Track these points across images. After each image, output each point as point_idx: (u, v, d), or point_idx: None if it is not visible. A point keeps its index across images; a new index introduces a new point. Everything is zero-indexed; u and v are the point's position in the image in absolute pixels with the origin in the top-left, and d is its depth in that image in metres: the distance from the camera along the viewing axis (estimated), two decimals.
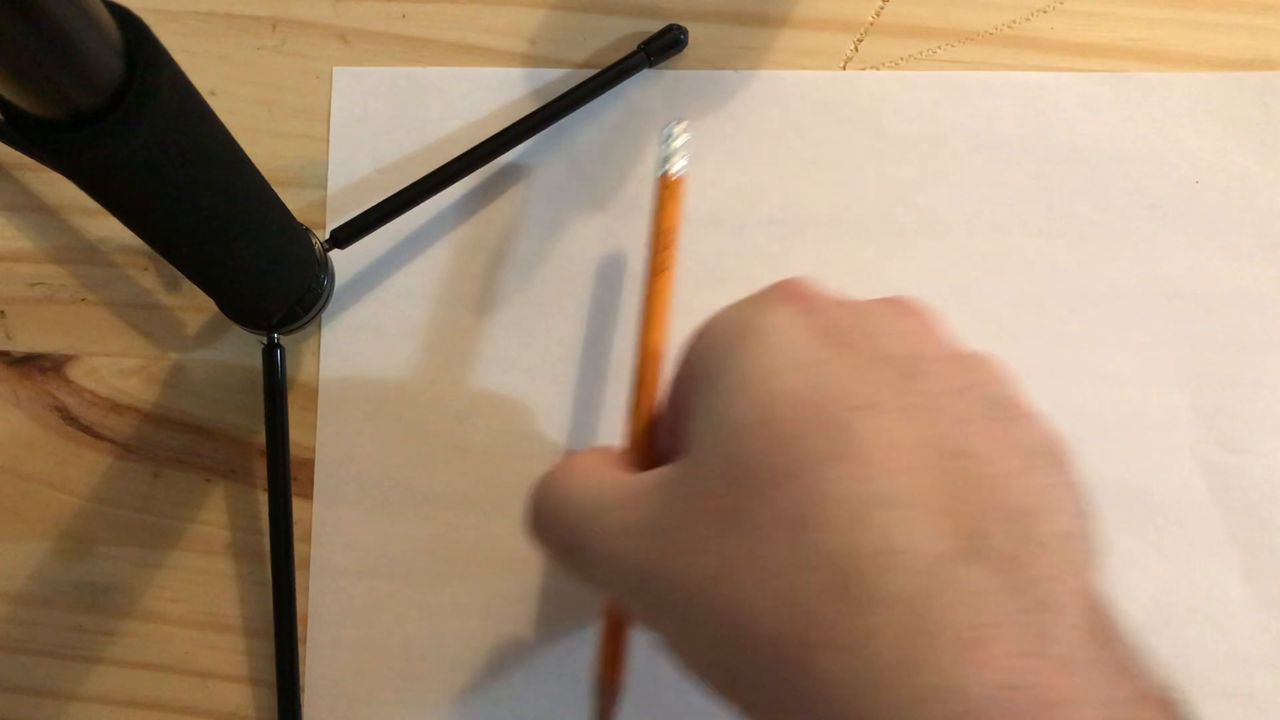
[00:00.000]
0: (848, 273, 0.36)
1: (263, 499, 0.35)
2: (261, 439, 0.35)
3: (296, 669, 0.33)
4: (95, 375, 0.36)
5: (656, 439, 0.28)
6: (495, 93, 0.37)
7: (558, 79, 0.37)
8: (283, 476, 0.34)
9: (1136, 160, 0.36)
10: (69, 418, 0.36)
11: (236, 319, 0.33)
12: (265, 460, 0.34)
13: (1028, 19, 0.37)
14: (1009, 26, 0.37)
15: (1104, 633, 0.20)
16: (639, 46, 0.36)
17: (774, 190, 0.36)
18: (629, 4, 0.38)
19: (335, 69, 0.37)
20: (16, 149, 0.37)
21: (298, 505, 0.35)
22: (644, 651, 0.29)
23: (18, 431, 0.36)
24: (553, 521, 0.25)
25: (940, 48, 0.37)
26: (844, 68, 0.37)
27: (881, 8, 0.37)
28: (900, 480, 0.20)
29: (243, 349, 0.36)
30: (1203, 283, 0.35)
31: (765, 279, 0.36)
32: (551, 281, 0.36)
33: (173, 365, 0.36)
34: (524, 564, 0.34)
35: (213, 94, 0.37)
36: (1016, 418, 0.22)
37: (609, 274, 0.36)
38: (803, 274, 0.27)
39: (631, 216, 0.36)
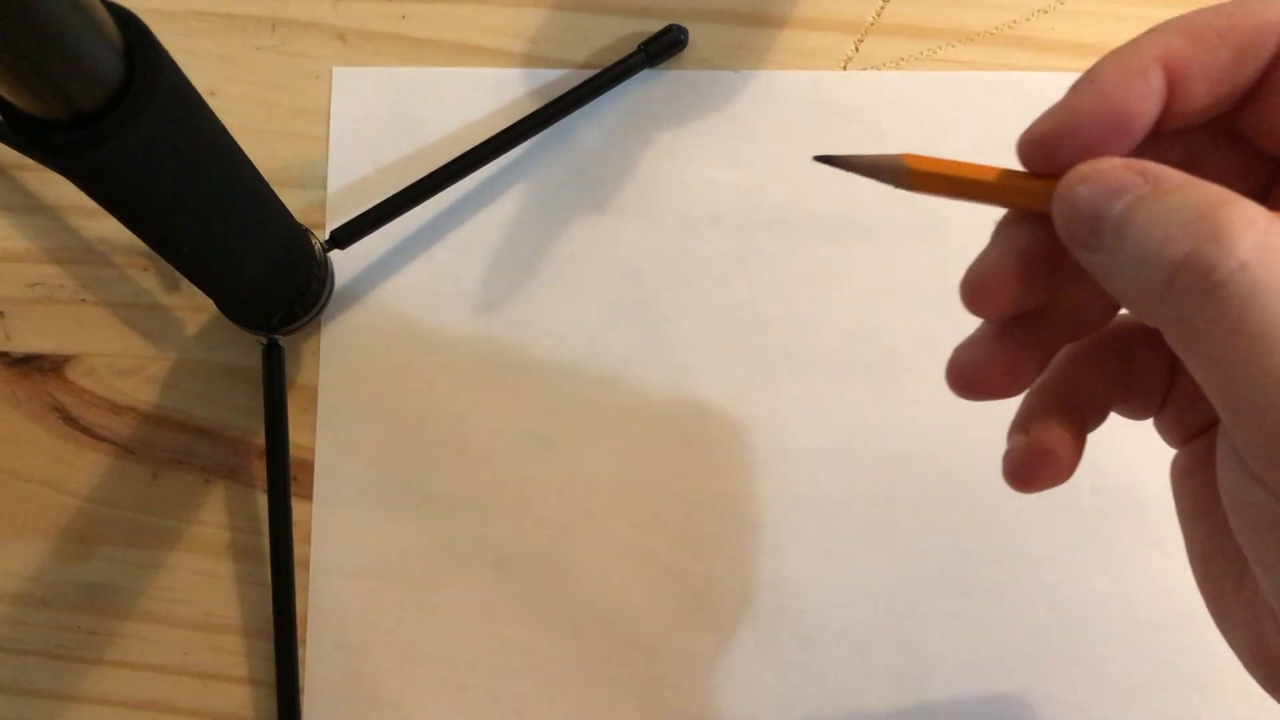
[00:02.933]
0: (848, 273, 0.36)
1: (262, 499, 0.35)
2: (261, 439, 0.35)
3: (296, 669, 0.33)
4: (94, 376, 0.36)
5: None
6: (495, 93, 0.37)
7: (558, 79, 0.37)
8: (282, 477, 0.34)
9: None
10: (68, 418, 0.36)
11: (236, 319, 0.33)
12: (265, 461, 0.34)
13: (1028, 19, 0.37)
14: (1010, 26, 0.37)
15: None
16: (639, 46, 0.36)
17: (774, 190, 0.36)
18: (629, 4, 0.38)
19: (335, 69, 0.37)
20: (16, 149, 0.37)
21: (297, 505, 0.35)
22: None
23: (17, 432, 0.35)
24: None
25: (941, 47, 0.37)
26: (844, 68, 0.37)
27: (882, 8, 0.37)
28: None
29: (242, 349, 0.36)
30: None
31: (765, 279, 0.36)
32: (551, 281, 0.36)
33: (172, 365, 0.36)
34: (524, 564, 0.34)
35: (212, 94, 0.37)
36: None
37: (609, 274, 0.36)
38: None
39: (631, 216, 0.36)
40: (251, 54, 0.38)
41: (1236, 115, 0.20)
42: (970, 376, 0.22)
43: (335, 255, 0.35)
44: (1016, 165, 0.22)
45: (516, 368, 0.35)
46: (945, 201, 0.36)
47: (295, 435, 0.35)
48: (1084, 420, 0.22)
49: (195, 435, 0.35)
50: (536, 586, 0.34)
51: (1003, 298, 0.21)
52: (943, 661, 0.33)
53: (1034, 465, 0.22)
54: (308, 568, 0.34)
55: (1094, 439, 0.34)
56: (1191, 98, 0.19)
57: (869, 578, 0.34)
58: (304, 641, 0.34)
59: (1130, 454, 0.34)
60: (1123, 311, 0.22)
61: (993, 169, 0.21)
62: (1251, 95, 0.20)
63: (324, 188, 0.37)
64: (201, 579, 0.35)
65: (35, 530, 0.35)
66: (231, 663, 0.34)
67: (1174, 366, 0.23)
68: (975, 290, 0.21)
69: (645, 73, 0.37)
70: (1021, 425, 0.23)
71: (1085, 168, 0.19)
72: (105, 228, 0.37)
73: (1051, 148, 0.20)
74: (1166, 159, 0.21)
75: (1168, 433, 0.23)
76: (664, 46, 0.36)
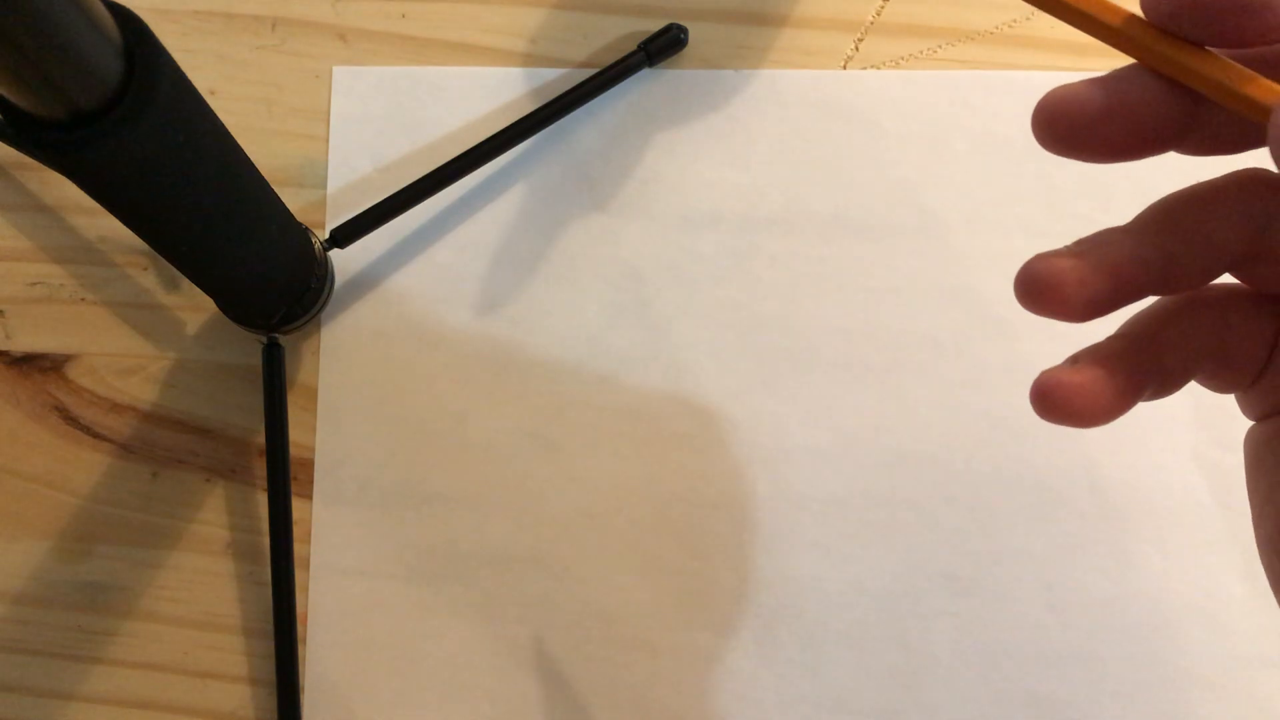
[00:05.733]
0: (848, 273, 0.36)
1: (262, 499, 0.35)
2: (261, 439, 0.35)
3: (296, 669, 0.33)
4: (94, 375, 0.36)
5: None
6: (495, 92, 0.37)
7: (558, 78, 0.37)
8: (282, 476, 0.34)
9: None
10: (68, 417, 0.36)
11: (236, 319, 0.33)
12: (265, 460, 0.34)
13: (1028, 18, 0.37)
14: (1009, 25, 0.37)
15: None
16: (639, 46, 0.36)
17: (774, 190, 0.36)
18: (629, 3, 0.38)
19: (335, 68, 0.37)
20: (16, 149, 0.37)
21: (297, 505, 0.35)
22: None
23: (17, 431, 0.35)
24: None
25: (941, 47, 0.37)
26: (844, 67, 0.37)
27: (882, 7, 0.37)
28: None
29: (242, 349, 0.36)
30: None
31: (765, 279, 0.36)
32: (551, 281, 0.36)
33: (172, 365, 0.36)
34: (524, 564, 0.34)
35: (212, 93, 0.37)
36: None
37: (609, 274, 0.36)
38: None
39: (631, 216, 0.36)
40: (251, 53, 0.38)
41: None
42: (1038, 279, 0.20)
43: (335, 254, 0.35)
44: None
45: (516, 367, 0.35)
46: (944, 202, 0.36)
47: (295, 434, 0.35)
48: (1154, 381, 0.21)
49: (195, 434, 0.35)
50: (536, 586, 0.34)
51: (1077, 120, 0.19)
52: (942, 661, 0.33)
53: (1066, 392, 0.20)
54: (307, 567, 0.34)
55: (1095, 438, 0.34)
56: None
57: (869, 577, 0.34)
58: (304, 640, 0.34)
59: (1130, 454, 0.34)
60: (1225, 278, 0.21)
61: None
62: None
63: (324, 187, 0.37)
64: (201, 578, 0.35)
65: (35, 530, 0.35)
66: (231, 662, 0.34)
67: (1276, 341, 0.21)
68: (1055, 104, 0.19)
69: (645, 72, 0.37)
70: (1075, 357, 0.21)
71: None
72: (105, 227, 0.37)
73: (1175, 10, 0.18)
74: None
75: (1251, 406, 0.22)
76: (664, 45, 0.36)
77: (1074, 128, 0.19)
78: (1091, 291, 0.20)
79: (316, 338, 0.36)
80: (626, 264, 0.36)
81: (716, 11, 0.37)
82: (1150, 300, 0.21)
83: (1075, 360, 0.21)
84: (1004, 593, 0.34)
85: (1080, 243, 0.20)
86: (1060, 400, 0.20)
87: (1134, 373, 0.20)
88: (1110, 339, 0.21)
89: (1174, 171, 0.36)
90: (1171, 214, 0.20)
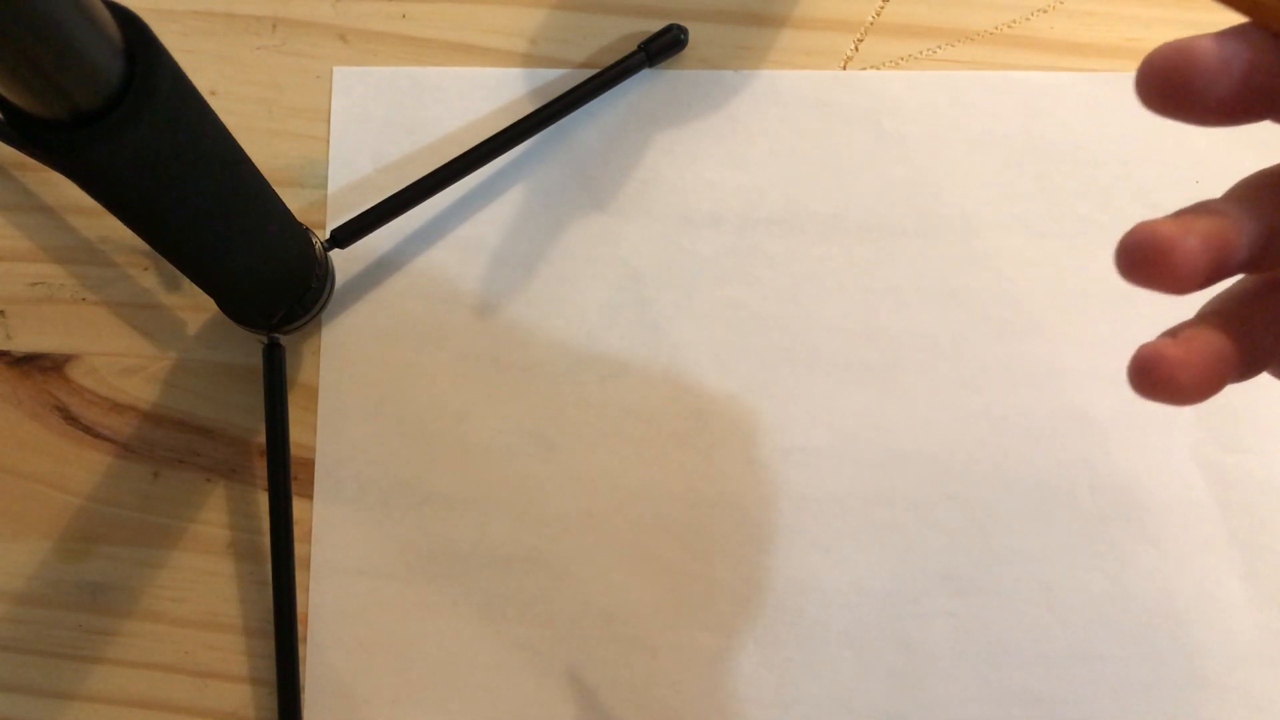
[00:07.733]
0: (848, 273, 0.36)
1: (263, 499, 0.35)
2: (261, 439, 0.35)
3: (296, 669, 0.33)
4: (95, 375, 0.36)
5: None
6: (495, 93, 0.37)
7: (558, 79, 0.37)
8: (283, 476, 0.34)
9: (1136, 160, 0.36)
10: (69, 417, 0.36)
11: (236, 319, 0.33)
12: (265, 460, 0.34)
13: (1028, 19, 0.37)
14: (1009, 26, 0.37)
15: None
16: (639, 46, 0.36)
17: (774, 190, 0.36)
18: (629, 3, 0.38)
19: (335, 69, 0.37)
20: (16, 149, 0.37)
21: (298, 505, 0.35)
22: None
23: (18, 431, 0.36)
24: None
25: (940, 47, 0.37)
26: (844, 67, 0.37)
27: (882, 7, 0.37)
28: None
29: (243, 349, 0.36)
30: None
31: (765, 279, 0.36)
32: (551, 281, 0.36)
33: (173, 365, 0.36)
34: (524, 564, 0.34)
35: (213, 94, 0.37)
36: None
37: (609, 274, 0.36)
38: None
39: (631, 216, 0.36)
40: (252, 53, 0.38)
41: None
42: (1144, 246, 0.19)
43: (336, 254, 0.35)
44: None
45: (516, 367, 0.35)
46: (944, 202, 0.36)
47: (296, 434, 0.35)
48: (1245, 360, 0.20)
49: (196, 434, 0.35)
50: (536, 586, 0.34)
51: (1192, 75, 0.18)
52: (942, 661, 0.33)
53: (1169, 367, 0.19)
54: (308, 567, 0.34)
55: (1095, 439, 0.34)
56: None
57: (868, 577, 0.34)
58: (304, 640, 0.34)
59: (1130, 454, 0.34)
60: None
61: None
62: None
63: (324, 187, 0.37)
64: (202, 578, 0.35)
65: (36, 529, 0.35)
66: (232, 661, 0.34)
67: None
68: (1170, 56, 0.18)
69: (645, 72, 0.37)
70: (1174, 330, 0.20)
71: None
72: (106, 227, 0.37)
73: None
74: None
75: None
76: (664, 46, 0.36)
77: (1187, 82, 0.18)
78: (1199, 261, 0.19)
79: (317, 338, 0.36)
80: (626, 264, 0.36)
81: (716, 12, 0.37)
82: (1228, 282, 0.20)
83: (1174, 334, 0.20)
84: (1003, 593, 0.34)
85: (1181, 213, 0.19)
86: (1163, 375, 0.19)
87: (1231, 351, 0.19)
88: (1203, 317, 0.20)
89: (1175, 171, 0.36)
90: (1270, 187, 0.19)
